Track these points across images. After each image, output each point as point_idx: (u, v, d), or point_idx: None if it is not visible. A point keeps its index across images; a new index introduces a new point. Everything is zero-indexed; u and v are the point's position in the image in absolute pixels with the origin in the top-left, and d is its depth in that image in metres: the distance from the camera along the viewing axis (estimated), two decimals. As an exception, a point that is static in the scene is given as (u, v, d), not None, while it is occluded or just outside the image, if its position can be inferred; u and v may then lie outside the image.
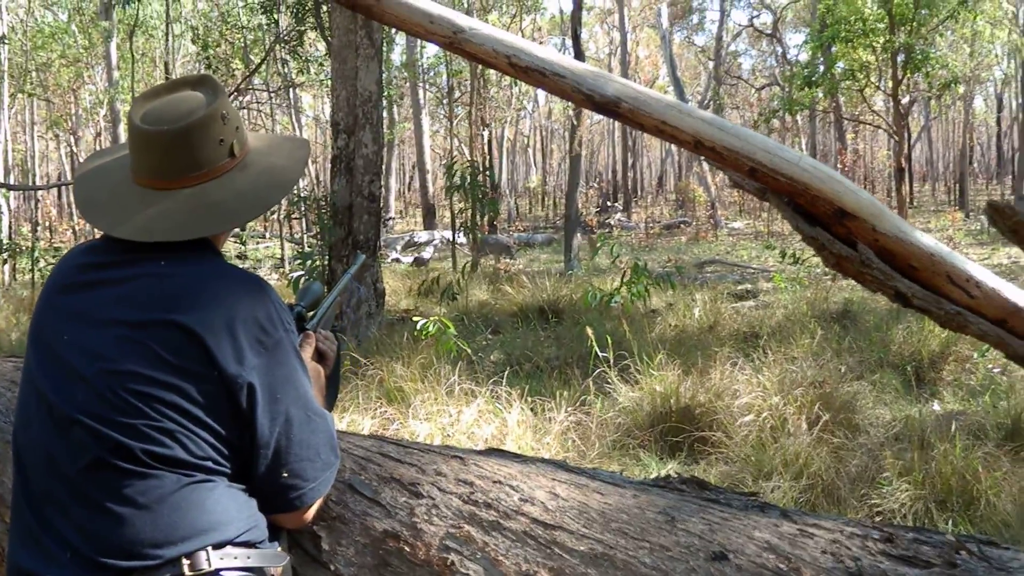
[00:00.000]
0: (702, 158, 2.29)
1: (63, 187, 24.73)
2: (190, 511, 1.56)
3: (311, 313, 2.21)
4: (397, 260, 22.25)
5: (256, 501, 1.68)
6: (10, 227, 20.77)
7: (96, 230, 1.78)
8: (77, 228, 25.56)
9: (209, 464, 1.60)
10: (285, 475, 1.66)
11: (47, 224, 31.98)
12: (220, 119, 1.74)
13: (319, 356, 2.19)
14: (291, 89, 25.22)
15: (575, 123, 18.23)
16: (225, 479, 1.63)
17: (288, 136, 2.04)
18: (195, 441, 1.57)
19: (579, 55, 16.69)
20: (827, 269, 2.70)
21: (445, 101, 27.53)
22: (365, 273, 9.53)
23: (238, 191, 1.75)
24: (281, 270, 19.27)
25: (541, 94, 46.11)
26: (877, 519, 4.54)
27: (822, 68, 21.34)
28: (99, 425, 1.55)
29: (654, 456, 5.66)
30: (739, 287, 13.75)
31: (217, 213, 1.71)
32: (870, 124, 29.11)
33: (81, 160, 32.74)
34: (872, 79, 22.03)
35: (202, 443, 1.58)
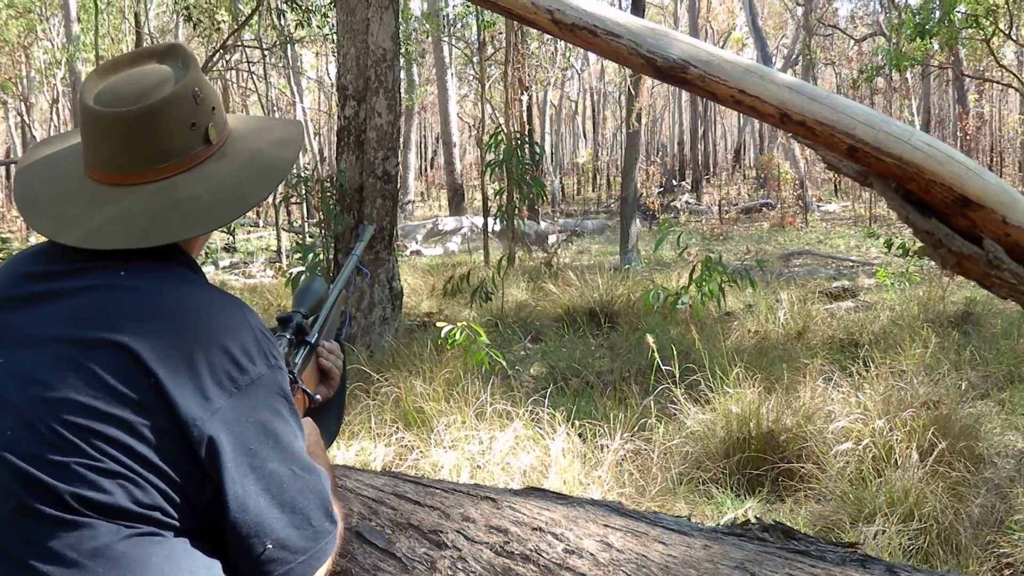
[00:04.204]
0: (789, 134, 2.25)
1: (12, 165, 24.98)
2: (131, 570, 1.50)
3: (311, 319, 2.17)
4: (417, 252, 22.31)
5: (219, 562, 1.61)
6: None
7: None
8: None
9: (157, 515, 1.53)
10: (270, 546, 1.59)
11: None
12: (192, 98, 1.70)
13: (322, 375, 2.18)
14: (289, 46, 25.33)
15: (632, 92, 18.06)
16: (178, 534, 1.58)
17: (276, 118, 2.01)
18: (142, 487, 1.51)
19: (637, 5, 16.60)
20: (939, 264, 2.62)
21: (475, 59, 27.47)
22: (379, 270, 9.54)
23: (214, 186, 1.71)
24: (277, 265, 19.39)
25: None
26: (1006, 574, 4.49)
27: (938, 14, 21.12)
28: (26, 464, 1.50)
29: (728, 493, 5.64)
30: (834, 284, 13.69)
31: (187, 214, 1.68)
32: (998, 82, 28.76)
33: (35, 133, 33.23)
34: (1001, 26, 21.78)
35: (151, 490, 1.52)
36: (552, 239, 21.52)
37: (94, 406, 1.50)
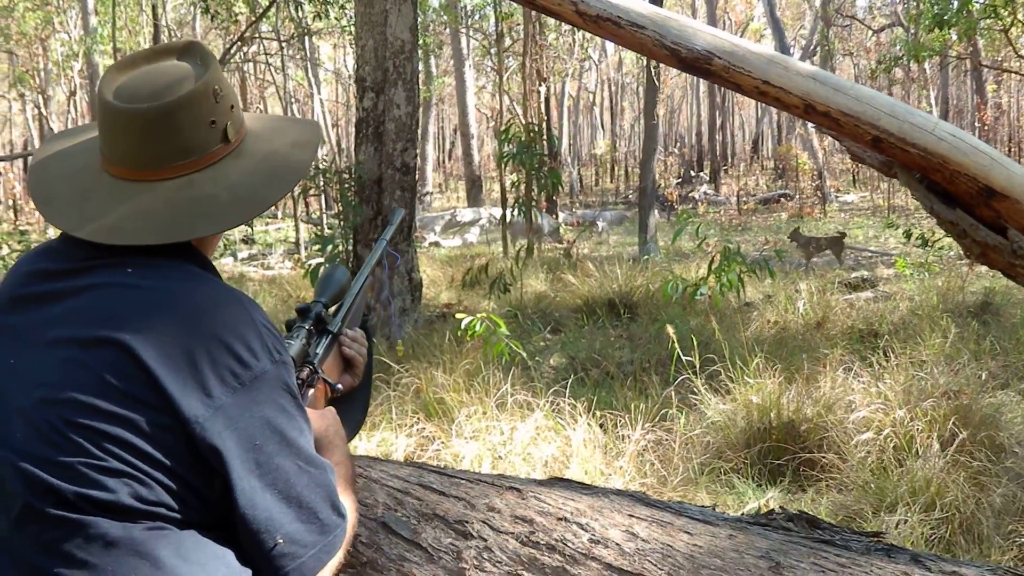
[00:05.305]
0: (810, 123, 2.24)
1: (29, 158, 25.07)
2: (140, 565, 1.50)
3: (333, 308, 2.15)
4: (436, 244, 22.31)
5: (231, 551, 1.61)
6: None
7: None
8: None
9: (163, 511, 1.53)
10: (281, 541, 1.59)
11: (11, 203, 32.48)
12: (211, 96, 1.70)
13: (346, 363, 2.17)
14: (307, 38, 25.31)
15: (656, 84, 17.95)
16: (187, 527, 1.57)
17: (293, 118, 2.00)
18: (147, 484, 1.51)
19: (656, -6, 16.52)
20: (963, 253, 2.61)
21: (493, 51, 27.41)
22: (401, 254, 9.54)
23: (231, 184, 1.72)
24: (296, 256, 19.43)
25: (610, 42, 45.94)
26: (1029, 563, 4.48)
27: (956, 4, 21.00)
28: (31, 466, 1.50)
29: (750, 482, 5.63)
30: (853, 275, 13.64)
31: (206, 212, 1.68)
32: (1016, 73, 28.61)
33: (52, 126, 33.28)
34: (1019, 16, 21.65)
35: (156, 486, 1.52)
36: (575, 234, 21.49)
37: (97, 405, 1.50)
